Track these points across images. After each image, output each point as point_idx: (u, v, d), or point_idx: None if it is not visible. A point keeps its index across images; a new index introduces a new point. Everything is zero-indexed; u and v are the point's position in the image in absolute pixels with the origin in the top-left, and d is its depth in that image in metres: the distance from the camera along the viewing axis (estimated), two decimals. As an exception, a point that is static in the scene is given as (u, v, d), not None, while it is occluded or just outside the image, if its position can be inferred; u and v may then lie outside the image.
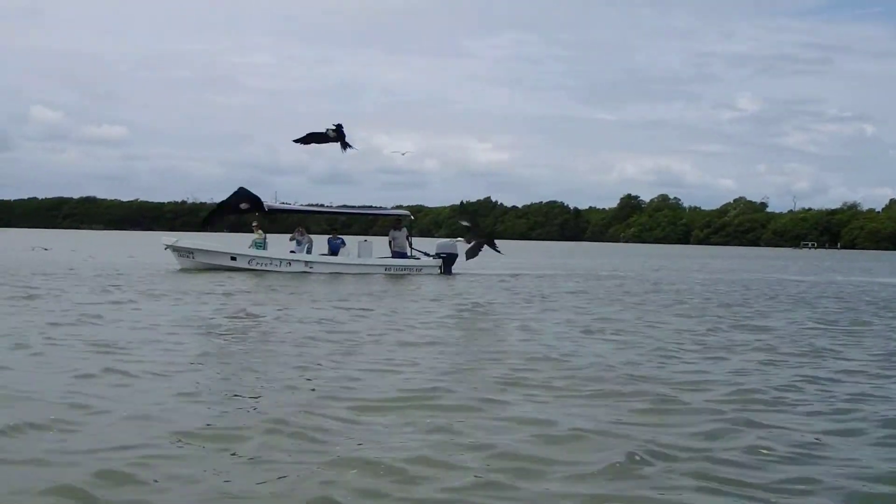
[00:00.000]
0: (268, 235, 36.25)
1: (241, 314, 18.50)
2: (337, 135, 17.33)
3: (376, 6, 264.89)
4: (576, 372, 11.57)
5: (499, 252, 36.06)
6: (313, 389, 10.04)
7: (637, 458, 7.18)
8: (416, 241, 38.39)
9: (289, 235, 37.41)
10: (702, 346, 14.75)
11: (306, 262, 35.09)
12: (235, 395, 9.79)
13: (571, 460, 7.24)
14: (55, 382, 10.02)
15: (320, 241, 37.31)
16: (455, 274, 36.48)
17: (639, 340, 15.33)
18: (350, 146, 17.77)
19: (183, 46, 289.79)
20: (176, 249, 35.26)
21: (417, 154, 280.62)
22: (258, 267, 34.61)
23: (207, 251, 35.32)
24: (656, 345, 14.67)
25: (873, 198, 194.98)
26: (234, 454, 7.21)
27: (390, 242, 37.37)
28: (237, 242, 39.26)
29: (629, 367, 12.12)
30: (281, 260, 35.06)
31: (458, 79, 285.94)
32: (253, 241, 36.11)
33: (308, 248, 36.05)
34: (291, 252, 35.91)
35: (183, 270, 34.07)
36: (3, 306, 18.51)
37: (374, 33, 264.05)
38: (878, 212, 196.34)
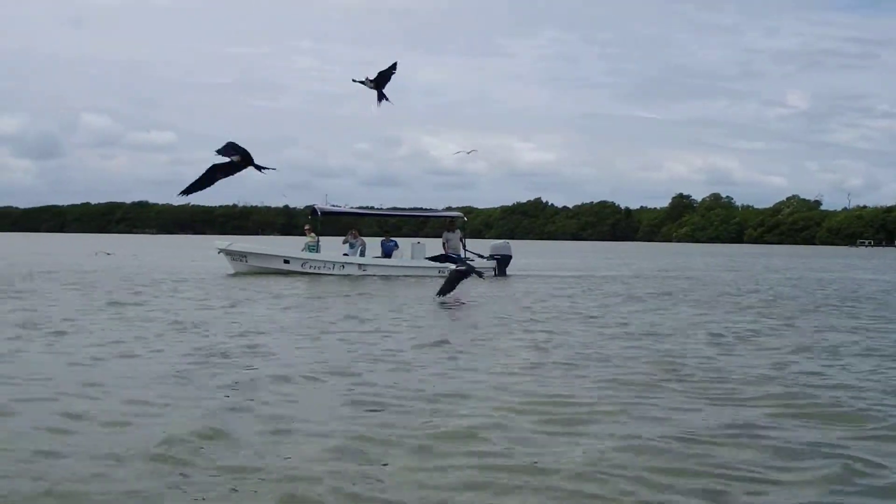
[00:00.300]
0: (320, 238, 35.91)
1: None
2: (375, 85, 16.35)
3: (416, 7, 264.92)
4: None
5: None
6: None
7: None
8: (468, 242, 37.78)
9: (341, 238, 36.99)
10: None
11: (360, 265, 34.67)
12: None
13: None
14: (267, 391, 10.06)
15: (373, 244, 36.92)
16: (510, 275, 35.91)
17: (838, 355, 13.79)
18: (386, 98, 16.81)
19: (226, 51, 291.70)
20: (229, 253, 35.05)
21: (463, 155, 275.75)
22: (311, 270, 34.26)
23: (260, 254, 35.13)
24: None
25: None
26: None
27: (444, 244, 36.72)
28: (289, 245, 38.91)
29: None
30: (334, 263, 34.68)
31: (500, 78, 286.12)
32: (306, 243, 35.76)
33: (361, 250, 35.59)
34: (344, 255, 35.48)
35: (237, 274, 33.91)
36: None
37: (415, 34, 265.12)
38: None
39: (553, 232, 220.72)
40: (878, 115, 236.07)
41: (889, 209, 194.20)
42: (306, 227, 36.61)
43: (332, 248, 36.29)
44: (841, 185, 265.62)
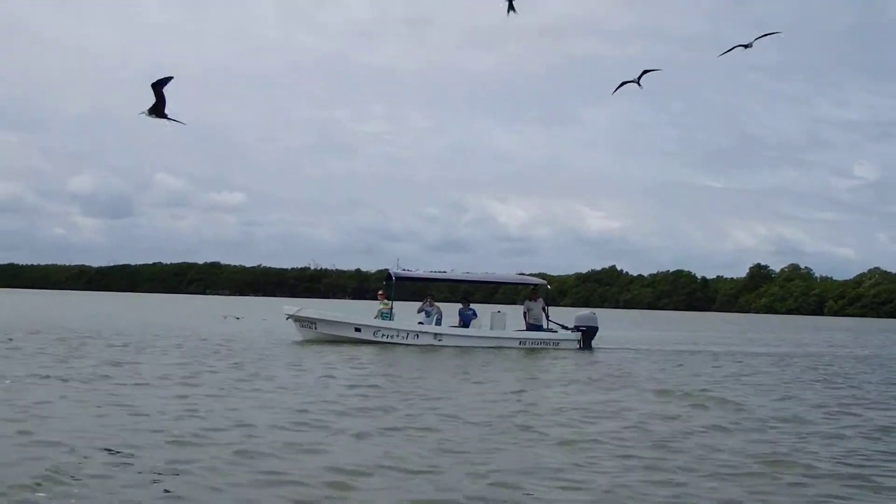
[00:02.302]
0: (394, 304, 33.42)
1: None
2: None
3: (487, 74, 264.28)
4: None
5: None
6: None
7: None
8: (556, 311, 35.03)
9: (416, 306, 34.50)
10: None
11: (435, 335, 32.21)
12: None
13: None
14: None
15: (450, 312, 34.39)
16: (595, 349, 33.13)
17: None
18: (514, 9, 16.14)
19: (300, 114, 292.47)
20: (298, 319, 32.96)
21: (529, 221, 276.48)
22: (384, 339, 32.00)
23: (330, 321, 32.93)
24: None
25: None
26: None
27: (525, 313, 34.07)
28: (361, 311, 36.44)
29: None
30: (409, 332, 32.30)
31: (571, 146, 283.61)
32: (378, 310, 33.43)
33: (437, 319, 33.11)
34: (420, 323, 33.04)
35: (306, 342, 31.61)
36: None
37: (486, 100, 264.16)
38: None
39: (629, 300, 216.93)
40: None
41: None
42: (379, 292, 34.27)
43: (406, 315, 33.86)
44: None
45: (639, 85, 20.65)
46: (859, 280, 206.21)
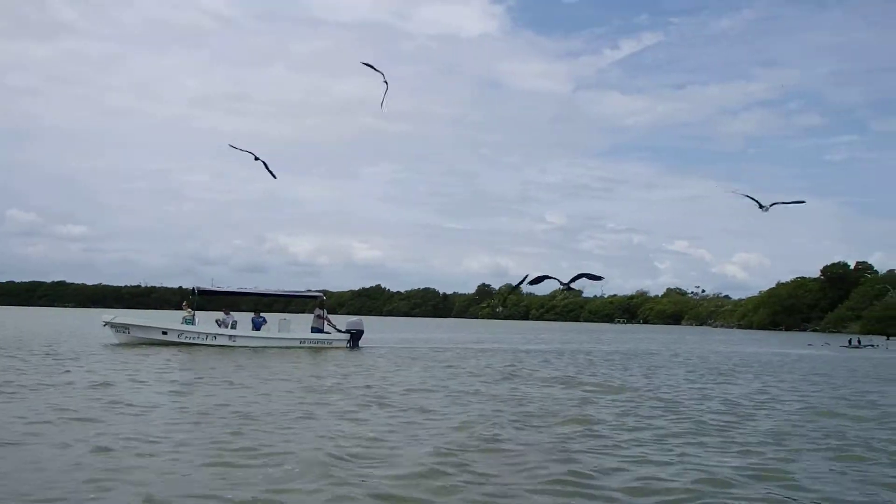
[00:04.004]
0: (199, 313, 30.18)
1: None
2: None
3: (289, 138, 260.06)
4: None
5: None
6: None
7: None
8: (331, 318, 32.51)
9: (217, 314, 31.27)
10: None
11: (230, 337, 29.13)
12: None
13: None
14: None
15: (245, 320, 31.33)
16: (362, 347, 30.82)
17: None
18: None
19: (141, 165, 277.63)
20: (113, 326, 29.14)
21: (314, 250, 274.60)
22: (187, 341, 28.66)
23: (141, 326, 29.31)
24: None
25: (655, 287, 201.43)
26: None
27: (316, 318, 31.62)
28: (169, 318, 32.75)
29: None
30: (207, 334, 29.03)
31: (348, 195, 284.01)
32: (183, 317, 29.96)
33: (233, 324, 30.00)
34: (218, 327, 29.85)
35: (121, 345, 27.91)
36: None
37: (288, 159, 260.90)
38: (660, 297, 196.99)
39: (391, 310, 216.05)
40: (609, 230, 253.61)
41: (631, 297, 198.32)
42: (184, 303, 30.78)
43: (208, 322, 30.57)
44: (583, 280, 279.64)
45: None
46: (553, 295, 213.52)
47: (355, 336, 31.31)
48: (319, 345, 30.22)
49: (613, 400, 14.98)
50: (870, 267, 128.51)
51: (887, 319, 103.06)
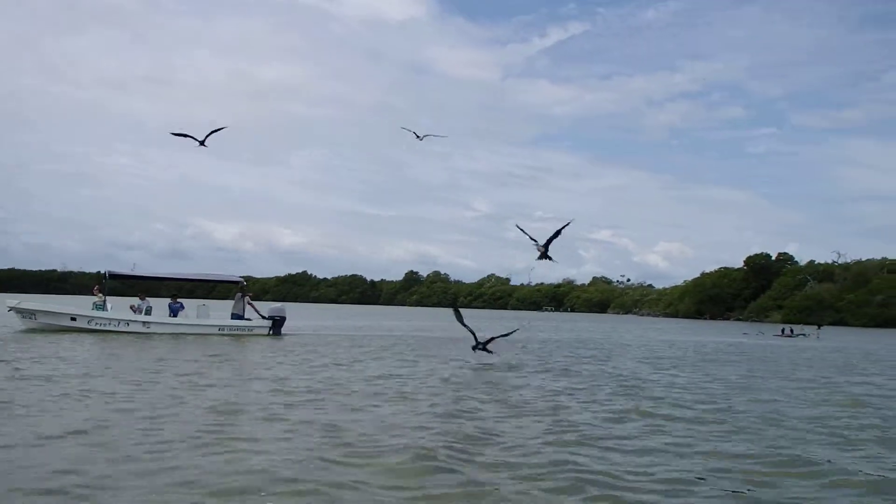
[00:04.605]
0: (116, 299, 28.82)
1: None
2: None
3: (213, 124, 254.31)
4: None
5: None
6: None
7: None
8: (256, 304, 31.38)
9: (131, 300, 29.84)
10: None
11: (143, 323, 27.78)
12: None
13: None
14: None
15: (162, 305, 29.95)
16: (284, 335, 29.77)
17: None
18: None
19: (59, 149, 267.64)
20: (19, 311, 27.47)
21: (238, 236, 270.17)
22: (97, 327, 27.26)
23: (48, 312, 27.72)
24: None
25: (580, 275, 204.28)
26: None
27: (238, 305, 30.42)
28: (79, 304, 31.12)
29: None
30: (119, 320, 27.66)
31: (273, 181, 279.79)
32: (93, 303, 28.45)
33: (147, 310, 28.61)
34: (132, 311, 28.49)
35: (28, 331, 26.39)
36: None
37: (213, 144, 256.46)
38: (586, 285, 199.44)
39: (317, 297, 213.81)
40: (536, 219, 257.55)
41: (558, 285, 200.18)
42: (96, 287, 29.27)
43: (122, 308, 29.14)
44: (509, 267, 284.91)
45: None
46: (482, 282, 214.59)
47: (277, 323, 30.21)
48: (239, 332, 29.07)
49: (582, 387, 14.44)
50: (790, 258, 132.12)
51: (807, 309, 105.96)
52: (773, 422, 11.26)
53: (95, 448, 8.02)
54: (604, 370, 19.57)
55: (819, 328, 61.07)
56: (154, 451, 7.96)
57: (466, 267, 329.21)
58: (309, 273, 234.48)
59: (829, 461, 8.65)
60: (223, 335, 28.22)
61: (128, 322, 27.62)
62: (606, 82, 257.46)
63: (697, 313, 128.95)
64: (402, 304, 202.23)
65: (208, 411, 10.53)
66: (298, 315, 48.74)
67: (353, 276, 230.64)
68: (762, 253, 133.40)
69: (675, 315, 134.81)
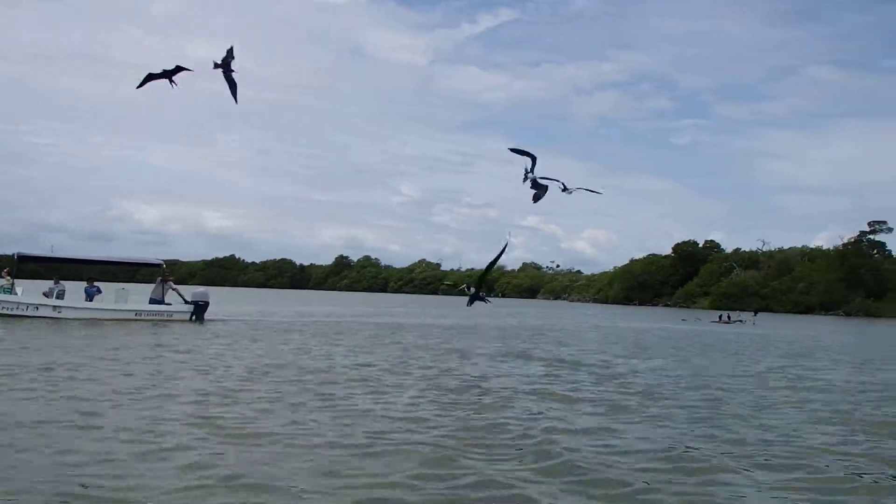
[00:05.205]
0: (31, 282, 27.26)
1: None
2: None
3: (147, 103, 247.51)
4: None
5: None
6: None
7: None
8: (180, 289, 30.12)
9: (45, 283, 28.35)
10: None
11: (54, 307, 26.36)
12: None
13: None
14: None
15: (77, 289, 28.49)
16: (207, 320, 28.62)
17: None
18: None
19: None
20: (-80, 295, 25.73)
21: (163, 219, 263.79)
22: (5, 311, 25.69)
23: (-50, 296, 25.95)
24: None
25: (508, 261, 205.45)
26: None
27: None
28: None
29: None
30: (29, 304, 26.18)
31: (203, 163, 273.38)
32: (0, 286, 26.81)
33: (58, 294, 27.14)
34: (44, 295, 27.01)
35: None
36: None
37: (142, 123, 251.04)
38: (516, 271, 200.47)
39: (246, 281, 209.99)
40: (465, 205, 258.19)
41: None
42: (5, 269, 27.61)
43: (34, 291, 27.62)
44: (438, 252, 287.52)
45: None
46: (412, 268, 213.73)
47: (200, 308, 29.03)
48: (158, 317, 27.81)
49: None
50: (717, 245, 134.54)
51: (733, 296, 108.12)
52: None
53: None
54: (582, 360, 19.21)
55: (755, 314, 62.39)
56: None
57: (395, 252, 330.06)
58: (237, 257, 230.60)
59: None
60: (140, 320, 26.96)
61: (37, 306, 26.16)
62: (536, 70, 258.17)
63: (626, 299, 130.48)
64: (333, 288, 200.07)
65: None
66: (227, 300, 47.51)
67: (283, 261, 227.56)
68: (690, 240, 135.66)
69: (604, 301, 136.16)
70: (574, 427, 9.46)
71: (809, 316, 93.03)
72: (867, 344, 35.85)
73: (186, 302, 29.02)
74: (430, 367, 16.00)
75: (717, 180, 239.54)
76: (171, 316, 28.06)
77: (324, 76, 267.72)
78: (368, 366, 15.79)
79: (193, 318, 28.49)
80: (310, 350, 19.05)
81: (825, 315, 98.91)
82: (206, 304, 29.43)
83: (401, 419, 9.65)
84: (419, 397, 11.59)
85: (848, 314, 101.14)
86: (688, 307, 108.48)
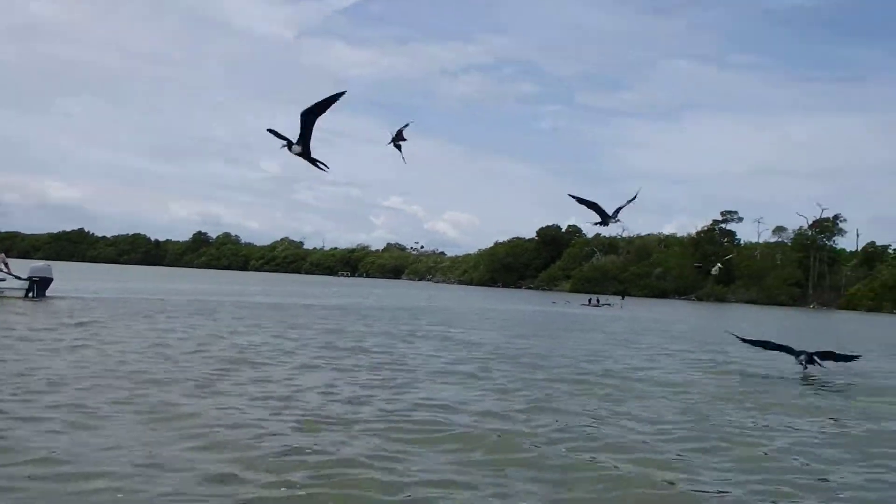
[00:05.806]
0: None
1: None
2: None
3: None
4: None
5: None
6: None
7: None
8: (16, 263, 27.05)
9: None
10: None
11: None
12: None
13: None
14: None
15: None
16: (49, 297, 25.83)
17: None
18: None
19: None
20: None
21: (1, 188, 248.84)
22: None
23: None
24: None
25: (371, 241, 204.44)
26: None
27: None
28: None
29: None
30: None
31: (41, 129, 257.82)
32: None
33: None
34: None
35: None
36: None
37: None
38: (380, 251, 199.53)
39: (95, 256, 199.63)
40: (327, 183, 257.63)
41: (352, 250, 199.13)
42: None
43: None
44: (299, 230, 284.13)
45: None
46: (274, 246, 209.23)
47: (40, 284, 26.13)
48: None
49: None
50: (579, 230, 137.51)
51: (594, 280, 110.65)
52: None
53: None
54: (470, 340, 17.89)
55: (623, 298, 63.77)
56: None
57: (254, 229, 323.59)
58: (86, 231, 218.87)
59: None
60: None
61: None
62: (403, 47, 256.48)
63: (491, 281, 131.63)
64: (190, 265, 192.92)
65: None
66: (76, 276, 44.04)
67: (136, 236, 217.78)
68: (553, 225, 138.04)
69: (469, 283, 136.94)
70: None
71: (665, 300, 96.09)
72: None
73: (18, 277, 25.97)
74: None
75: (578, 166, 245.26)
76: (3, 293, 25.05)
77: (184, 46, 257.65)
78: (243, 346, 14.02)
79: (31, 294, 25.62)
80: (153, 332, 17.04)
81: (679, 299, 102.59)
82: (49, 279, 26.54)
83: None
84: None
85: (699, 299, 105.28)
86: (550, 290, 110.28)
